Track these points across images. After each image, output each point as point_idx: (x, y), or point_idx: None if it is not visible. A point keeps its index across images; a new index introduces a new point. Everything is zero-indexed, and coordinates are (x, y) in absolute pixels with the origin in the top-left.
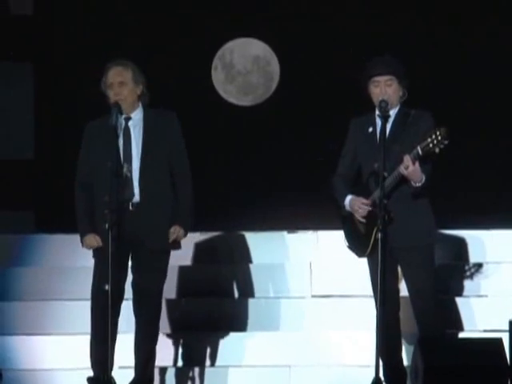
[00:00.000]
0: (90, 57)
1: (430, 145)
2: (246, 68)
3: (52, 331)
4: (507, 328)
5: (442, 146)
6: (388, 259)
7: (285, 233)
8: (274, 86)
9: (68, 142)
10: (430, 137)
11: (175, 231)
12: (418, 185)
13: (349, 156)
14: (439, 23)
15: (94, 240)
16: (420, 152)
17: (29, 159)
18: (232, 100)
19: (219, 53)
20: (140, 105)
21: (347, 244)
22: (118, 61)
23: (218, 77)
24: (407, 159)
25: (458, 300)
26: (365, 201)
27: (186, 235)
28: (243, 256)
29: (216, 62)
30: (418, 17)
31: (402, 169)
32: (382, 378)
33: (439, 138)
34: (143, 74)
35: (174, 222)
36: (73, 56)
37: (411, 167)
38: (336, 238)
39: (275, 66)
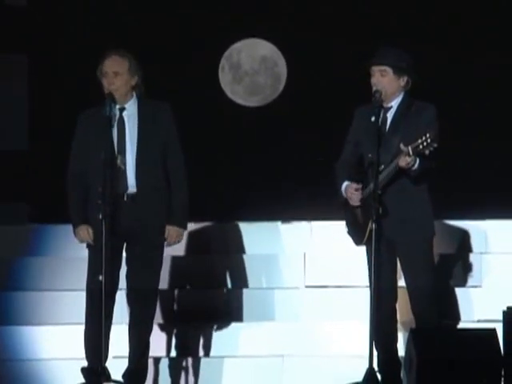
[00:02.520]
0: (85, 48)
1: (420, 146)
2: (253, 68)
3: (47, 321)
4: (501, 318)
5: (431, 149)
6: (386, 250)
7: (279, 223)
8: (282, 86)
9: (62, 132)
10: (421, 138)
11: (170, 234)
12: (415, 167)
13: (351, 144)
14: (439, 23)
15: (87, 233)
16: (411, 152)
17: (22, 150)
18: (239, 100)
19: (227, 53)
20: (134, 95)
21: (347, 230)
22: (115, 50)
23: (225, 77)
24: (408, 154)
25: (453, 290)
26: (356, 186)
27: (184, 231)
28: (237, 246)
29: (223, 62)
30: (419, 17)
31: (400, 161)
32: (376, 369)
33: (428, 140)
34: (140, 65)
35: (169, 221)
36: (67, 47)
37: (409, 159)
38: (330, 229)
39: (282, 67)
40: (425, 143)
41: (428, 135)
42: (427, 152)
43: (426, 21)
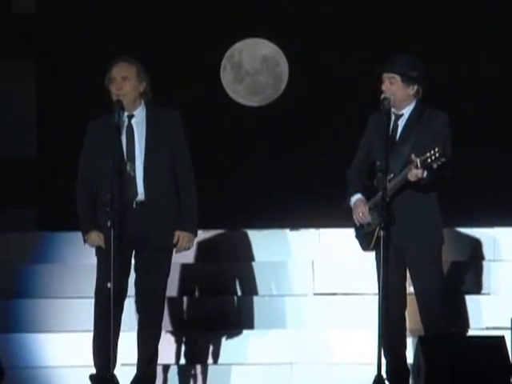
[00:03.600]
0: (92, 54)
1: (428, 159)
2: (254, 68)
3: (55, 329)
4: (509, 326)
5: (439, 163)
6: (394, 258)
7: (287, 231)
8: (283, 86)
9: (70, 139)
10: (429, 152)
11: (181, 239)
12: (424, 180)
13: (364, 150)
14: (439, 23)
15: (98, 237)
16: (419, 165)
17: (31, 157)
18: (241, 100)
19: (228, 53)
20: (142, 102)
21: (355, 234)
22: (122, 58)
23: (226, 77)
24: (416, 166)
25: (461, 297)
26: (366, 212)
27: (195, 237)
28: (245, 254)
29: (225, 62)
30: (419, 17)
31: (409, 175)
32: (385, 376)
33: (436, 155)
34: (148, 73)
35: (179, 227)
36: (74, 54)
37: (417, 171)
38: (338, 236)
39: (284, 67)
40: (433, 157)
41: (436, 149)
42: (435, 166)
43: (425, 21)
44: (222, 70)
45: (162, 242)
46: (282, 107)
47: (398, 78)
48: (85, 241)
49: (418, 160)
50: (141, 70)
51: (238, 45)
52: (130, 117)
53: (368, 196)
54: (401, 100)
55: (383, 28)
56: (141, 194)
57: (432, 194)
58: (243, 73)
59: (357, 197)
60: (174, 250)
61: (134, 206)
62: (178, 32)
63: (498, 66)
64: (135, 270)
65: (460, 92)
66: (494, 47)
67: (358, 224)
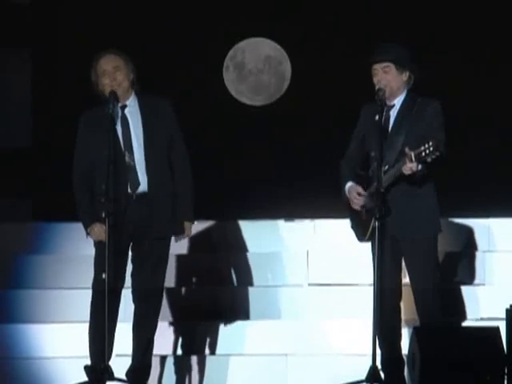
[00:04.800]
0: (88, 44)
1: (423, 153)
2: (257, 68)
3: (51, 319)
4: (504, 316)
5: (433, 157)
6: (390, 248)
7: (282, 221)
8: (286, 85)
9: (65, 129)
10: (423, 145)
11: (187, 228)
12: (418, 172)
13: (356, 140)
14: (439, 23)
15: (102, 230)
16: (413, 158)
17: (27, 147)
18: (244, 99)
19: (231, 53)
20: (133, 92)
21: (350, 224)
22: (107, 50)
23: (229, 76)
24: (410, 160)
25: (456, 288)
26: (360, 191)
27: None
28: (240, 244)
29: (227, 61)
30: (419, 17)
31: (403, 169)
32: (379, 367)
33: (431, 149)
34: (133, 62)
35: (180, 217)
36: (71, 43)
37: (411, 165)
38: (333, 227)
39: (287, 66)
40: (427, 151)
41: (431, 143)
42: (429, 159)
43: (426, 21)
44: (224, 70)
45: (162, 234)
46: (285, 106)
47: (392, 65)
48: (87, 233)
49: (413, 154)
50: (128, 60)
51: (241, 44)
52: (123, 107)
53: (362, 186)
54: (397, 88)
55: (385, 28)
56: (142, 184)
57: (429, 183)
58: (246, 72)
59: (348, 185)
60: (174, 239)
61: (134, 197)
62: (179, 32)
63: (499, 63)
64: (132, 262)
65: (458, 84)
66: (495, 46)
67: (358, 208)
